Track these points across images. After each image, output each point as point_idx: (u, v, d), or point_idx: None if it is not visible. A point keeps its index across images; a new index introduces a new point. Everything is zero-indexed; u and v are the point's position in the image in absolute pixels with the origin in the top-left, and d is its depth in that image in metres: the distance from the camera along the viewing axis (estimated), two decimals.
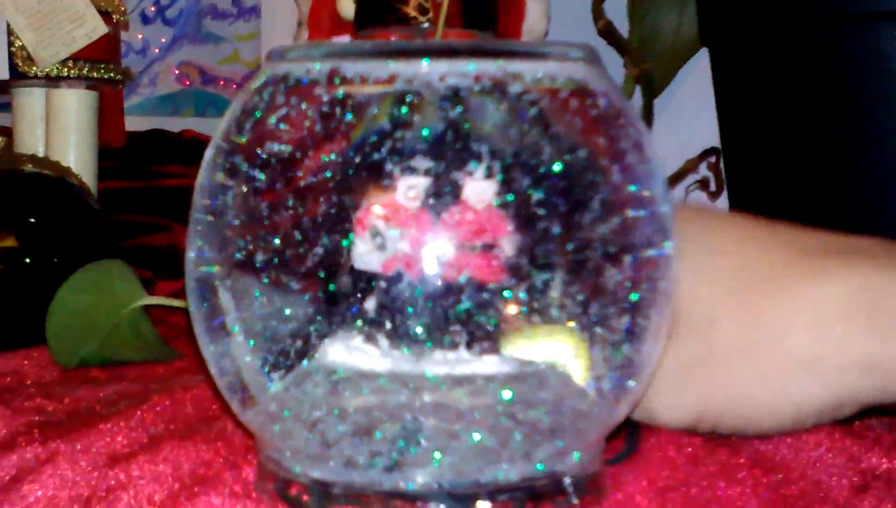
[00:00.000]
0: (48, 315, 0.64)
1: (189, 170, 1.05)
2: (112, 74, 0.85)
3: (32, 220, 0.70)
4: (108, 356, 0.64)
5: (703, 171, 0.92)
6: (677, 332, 0.48)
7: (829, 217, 0.70)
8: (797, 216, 0.70)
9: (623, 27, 0.92)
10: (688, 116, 0.93)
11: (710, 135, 0.80)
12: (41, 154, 0.83)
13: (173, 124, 1.13)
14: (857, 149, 0.69)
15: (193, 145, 1.07)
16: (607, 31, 0.90)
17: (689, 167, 0.90)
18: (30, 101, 0.86)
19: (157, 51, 1.19)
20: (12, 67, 0.83)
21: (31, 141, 0.86)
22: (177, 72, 1.19)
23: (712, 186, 0.90)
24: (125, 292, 0.66)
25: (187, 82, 1.19)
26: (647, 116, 0.90)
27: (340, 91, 0.42)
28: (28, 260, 0.68)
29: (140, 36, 1.17)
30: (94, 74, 0.84)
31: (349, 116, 0.42)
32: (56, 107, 0.85)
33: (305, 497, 0.43)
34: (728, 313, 0.47)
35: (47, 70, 0.83)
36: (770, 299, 0.47)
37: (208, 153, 0.46)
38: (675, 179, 0.94)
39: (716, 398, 0.48)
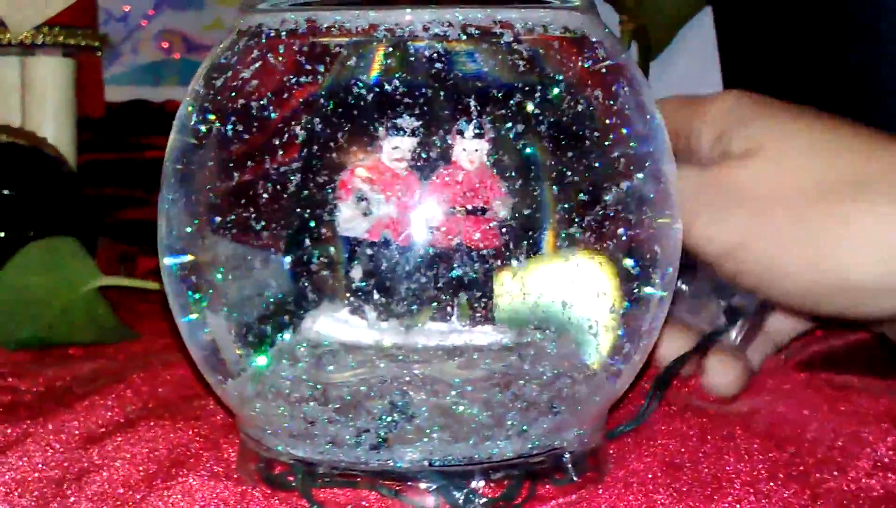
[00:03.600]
0: None
1: None
2: (89, 41, 0.82)
3: (6, 192, 0.67)
4: (54, 339, 0.61)
5: None
6: (734, 159, 0.45)
7: None
8: None
9: None
10: (689, 80, 0.90)
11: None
12: (17, 125, 0.80)
13: (156, 95, 1.10)
14: (872, 110, 0.66)
15: None
16: None
17: None
18: (4, 70, 0.83)
19: (138, 19, 1.15)
20: None
21: (6, 112, 0.83)
22: (159, 40, 1.16)
23: None
24: (77, 272, 0.63)
25: (170, 51, 1.16)
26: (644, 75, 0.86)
27: (317, 43, 0.39)
28: (2, 234, 0.65)
29: (126, 8, 1.14)
30: (71, 41, 0.81)
31: (327, 72, 0.39)
32: (31, 76, 0.82)
33: (290, 478, 0.41)
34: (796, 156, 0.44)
35: (21, 37, 0.80)
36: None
37: (180, 113, 0.43)
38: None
39: (758, 232, 0.43)
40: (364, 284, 0.40)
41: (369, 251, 0.39)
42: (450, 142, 0.39)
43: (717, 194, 0.44)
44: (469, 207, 0.39)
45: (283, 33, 0.40)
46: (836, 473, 0.42)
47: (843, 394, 0.48)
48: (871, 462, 0.43)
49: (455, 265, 0.39)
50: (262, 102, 0.40)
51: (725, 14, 0.76)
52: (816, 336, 0.60)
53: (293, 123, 0.40)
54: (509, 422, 0.40)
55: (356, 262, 0.40)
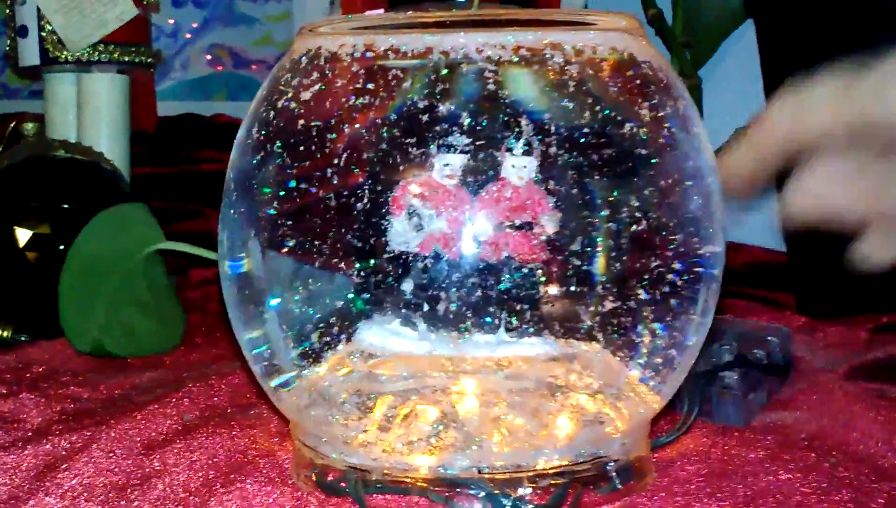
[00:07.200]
0: (64, 267, 0.64)
1: (222, 155, 1.02)
2: (143, 58, 0.84)
3: (66, 206, 0.69)
4: (115, 322, 0.64)
5: None
6: None
7: None
8: None
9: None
10: (734, 89, 0.90)
11: (758, 107, 0.78)
12: (73, 140, 0.83)
13: (205, 108, 1.12)
14: None
15: (227, 129, 1.06)
16: (657, 21, 0.88)
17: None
18: (61, 86, 0.85)
19: (188, 34, 1.18)
20: (43, 53, 0.83)
21: (63, 127, 0.85)
22: (209, 56, 1.18)
23: None
24: (143, 235, 0.67)
25: (219, 66, 1.18)
26: None
27: (374, 65, 0.41)
28: (62, 247, 0.67)
29: (171, 20, 1.16)
30: (125, 58, 0.83)
31: (383, 92, 0.41)
32: (87, 92, 0.84)
33: (343, 484, 0.42)
34: None
35: (78, 54, 0.82)
36: None
37: (240, 132, 0.45)
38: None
39: None
40: (415, 296, 0.41)
41: (420, 265, 0.41)
42: (499, 159, 0.40)
43: None
44: (517, 221, 0.40)
45: (342, 56, 0.41)
46: (880, 480, 0.42)
47: (890, 404, 0.49)
48: None
49: (503, 279, 0.40)
50: (318, 122, 0.41)
51: (766, 25, 0.77)
52: (868, 347, 0.61)
53: (348, 142, 0.41)
54: (556, 431, 0.41)
55: (408, 275, 0.41)
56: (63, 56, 0.83)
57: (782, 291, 0.79)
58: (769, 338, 0.55)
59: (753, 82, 0.79)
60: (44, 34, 0.82)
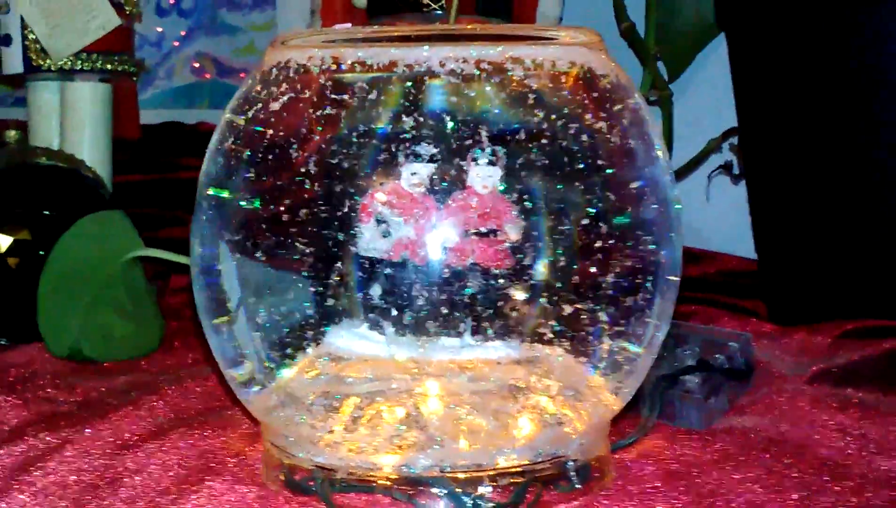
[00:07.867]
0: (43, 273, 0.65)
1: None
2: (126, 66, 0.86)
3: (46, 212, 0.70)
4: (96, 320, 0.65)
5: (727, 155, 0.90)
6: None
7: (850, 202, 0.69)
8: (819, 202, 0.70)
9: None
10: (707, 101, 0.92)
11: (733, 117, 0.79)
12: (56, 147, 0.84)
13: (189, 117, 1.13)
14: (879, 131, 0.68)
15: (209, 137, 1.06)
16: (630, 33, 0.89)
17: (712, 147, 0.89)
18: (44, 94, 0.87)
19: (175, 42, 1.19)
20: (26, 61, 0.84)
21: (45, 134, 0.86)
22: (195, 63, 1.19)
23: (736, 170, 0.88)
24: (122, 242, 0.68)
25: (205, 74, 1.19)
26: (667, 138, 0.87)
27: (342, 77, 0.42)
28: (42, 252, 0.68)
29: (158, 29, 1.18)
30: (108, 66, 0.84)
31: (350, 103, 0.42)
32: (70, 100, 0.85)
33: (310, 483, 0.44)
34: None
35: (61, 63, 0.83)
36: None
37: (212, 141, 0.46)
38: (697, 162, 0.92)
39: None
40: (383, 301, 0.42)
41: (388, 271, 0.42)
42: (465, 169, 0.41)
43: None
44: (482, 229, 0.42)
45: (310, 68, 0.42)
46: (833, 481, 0.44)
47: (849, 410, 0.51)
48: (875, 474, 0.45)
49: (468, 284, 0.42)
50: (287, 133, 0.43)
51: (738, 39, 0.79)
52: (832, 352, 0.62)
53: (318, 151, 0.42)
54: (516, 431, 0.42)
55: (375, 280, 0.42)
56: (46, 64, 0.84)
57: (753, 299, 0.80)
58: (730, 343, 0.57)
59: (725, 95, 0.81)
60: (27, 43, 0.84)
